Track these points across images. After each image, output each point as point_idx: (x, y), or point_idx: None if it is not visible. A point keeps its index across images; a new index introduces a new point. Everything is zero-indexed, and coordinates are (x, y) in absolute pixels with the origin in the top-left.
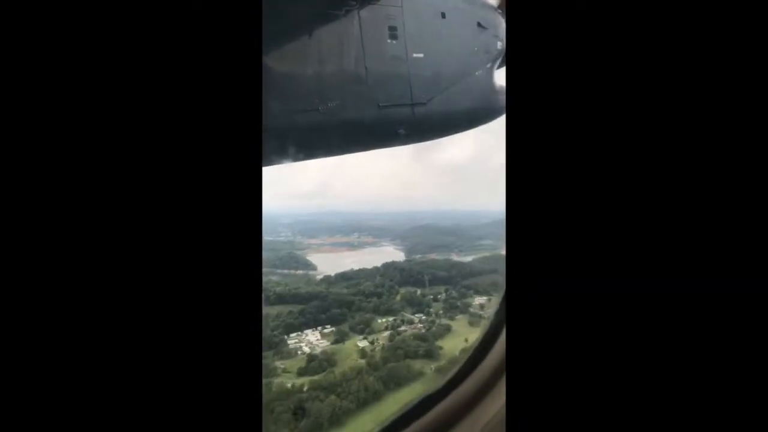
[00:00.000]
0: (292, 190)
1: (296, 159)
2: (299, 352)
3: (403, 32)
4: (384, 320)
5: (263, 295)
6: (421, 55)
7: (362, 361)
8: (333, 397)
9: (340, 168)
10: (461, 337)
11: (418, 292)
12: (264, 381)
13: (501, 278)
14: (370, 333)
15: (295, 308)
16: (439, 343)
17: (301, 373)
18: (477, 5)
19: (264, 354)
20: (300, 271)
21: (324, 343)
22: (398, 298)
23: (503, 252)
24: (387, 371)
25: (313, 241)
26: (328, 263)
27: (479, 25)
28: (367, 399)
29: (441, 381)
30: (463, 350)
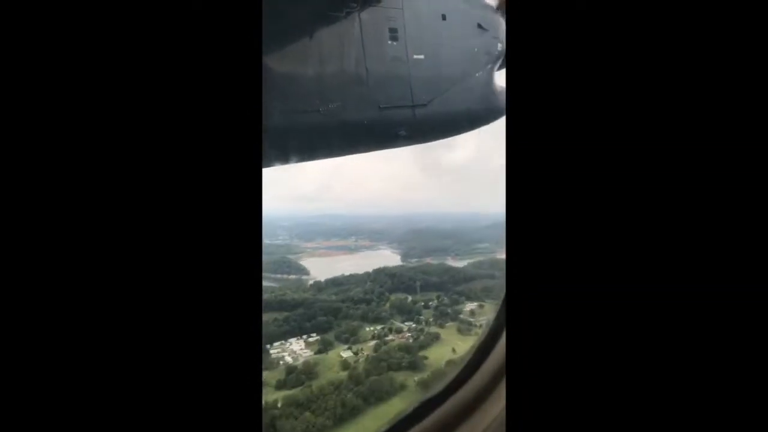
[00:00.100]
0: (293, 193)
1: (297, 160)
2: (281, 363)
3: (404, 34)
4: (372, 328)
5: None
6: (421, 57)
7: (344, 374)
8: (308, 413)
9: (342, 170)
10: (449, 347)
11: (409, 298)
12: None
13: (494, 282)
14: (355, 342)
15: (281, 315)
16: (425, 353)
17: (280, 386)
18: (477, 7)
19: None
20: (293, 276)
21: (308, 353)
22: (387, 305)
23: (499, 255)
24: (368, 385)
25: (309, 244)
26: (322, 268)
27: (479, 26)
28: (344, 415)
29: (434, 389)
30: (450, 362)
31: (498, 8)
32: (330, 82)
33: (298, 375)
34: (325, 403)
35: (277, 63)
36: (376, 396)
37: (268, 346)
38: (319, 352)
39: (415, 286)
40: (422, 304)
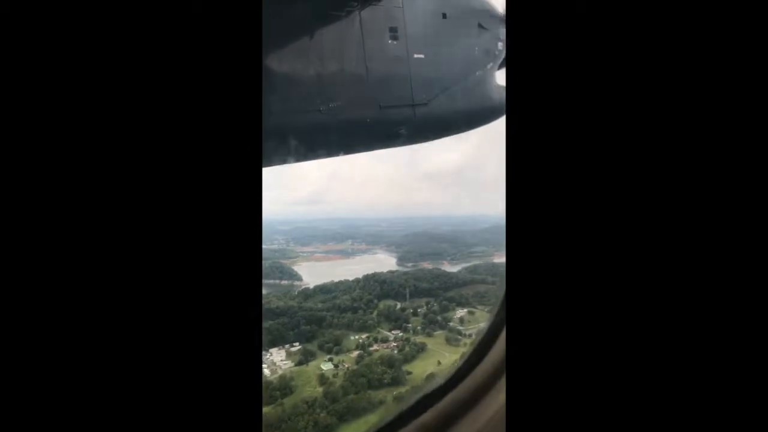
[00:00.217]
0: (292, 197)
1: (298, 159)
2: None
3: (404, 33)
4: (357, 337)
5: None
6: (422, 56)
7: (320, 389)
8: None
9: (342, 173)
10: (435, 359)
11: (398, 305)
12: None
13: (486, 288)
14: (338, 352)
15: (264, 324)
16: (409, 367)
17: None
18: (478, 6)
19: None
20: (285, 282)
21: (288, 364)
22: (375, 313)
23: (495, 259)
24: (344, 404)
25: (305, 249)
26: (315, 273)
27: (480, 26)
28: None
29: (434, 384)
30: (430, 376)
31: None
32: (331, 81)
33: (272, 391)
34: (296, 423)
35: (278, 63)
36: (352, 413)
37: None
38: (299, 363)
39: (404, 292)
40: (411, 311)
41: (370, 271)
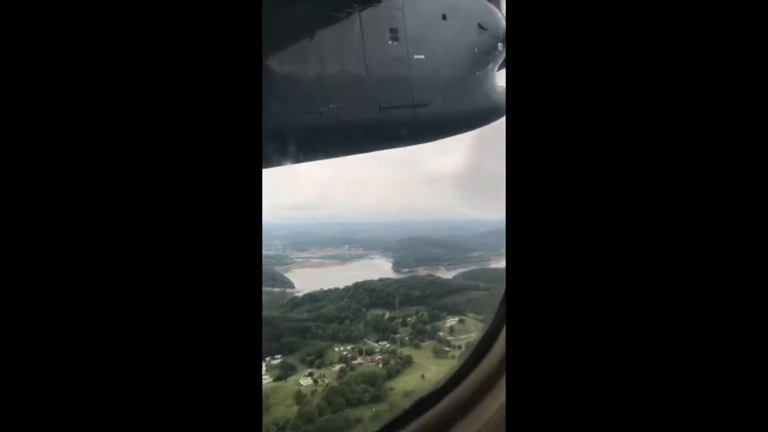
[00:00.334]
0: (291, 202)
1: (297, 160)
2: None
3: (404, 34)
4: (342, 348)
5: None
6: (422, 57)
7: (295, 408)
8: None
9: (341, 178)
10: (419, 372)
11: (386, 315)
12: None
13: (479, 294)
14: (320, 366)
15: None
16: (392, 383)
17: None
18: (478, 6)
19: None
20: (276, 289)
21: (267, 379)
22: (362, 324)
23: (491, 265)
24: (319, 425)
25: (302, 254)
26: (308, 280)
27: (480, 26)
28: None
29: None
30: (408, 393)
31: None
32: (330, 82)
33: None
34: None
35: (278, 64)
36: None
37: None
38: (278, 378)
39: (394, 301)
40: (400, 320)
41: (366, 278)
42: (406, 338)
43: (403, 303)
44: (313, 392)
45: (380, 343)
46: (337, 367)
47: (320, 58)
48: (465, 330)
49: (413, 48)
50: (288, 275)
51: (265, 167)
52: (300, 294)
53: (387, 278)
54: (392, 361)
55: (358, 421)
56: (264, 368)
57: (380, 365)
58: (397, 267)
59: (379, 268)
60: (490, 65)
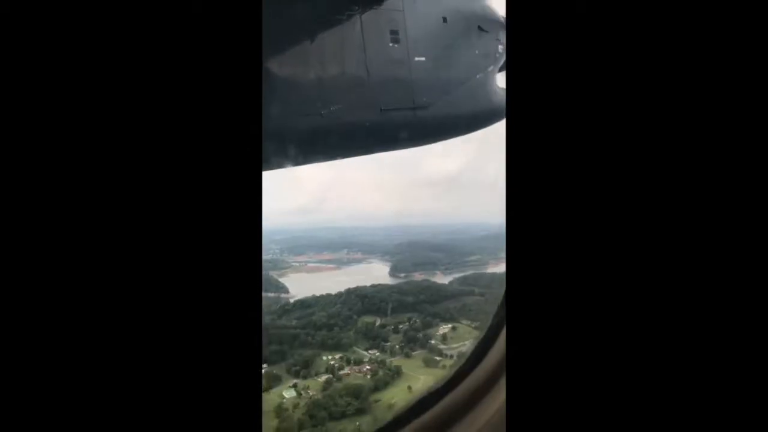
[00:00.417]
0: (290, 205)
1: (298, 162)
2: None
3: (405, 36)
4: (330, 357)
5: None
6: (422, 59)
7: (275, 423)
8: None
9: (341, 181)
10: (408, 383)
11: (377, 322)
12: None
13: (473, 300)
14: (306, 376)
15: None
16: (379, 395)
17: None
18: (478, 9)
19: None
20: (271, 294)
21: None
22: (352, 331)
23: (488, 270)
24: None
25: (299, 258)
26: (303, 285)
27: (480, 28)
28: None
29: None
30: (391, 406)
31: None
32: (331, 84)
33: None
34: None
35: (279, 66)
36: None
37: None
38: (262, 389)
39: (386, 307)
40: (391, 328)
41: (362, 282)
42: (397, 347)
43: (396, 309)
44: (296, 406)
45: (370, 351)
46: (323, 377)
47: (321, 60)
48: (458, 338)
49: (414, 50)
50: (283, 280)
51: (266, 169)
52: (292, 300)
53: (380, 284)
54: (380, 372)
55: None
56: None
57: (368, 376)
58: (394, 271)
59: (376, 273)
60: (491, 67)
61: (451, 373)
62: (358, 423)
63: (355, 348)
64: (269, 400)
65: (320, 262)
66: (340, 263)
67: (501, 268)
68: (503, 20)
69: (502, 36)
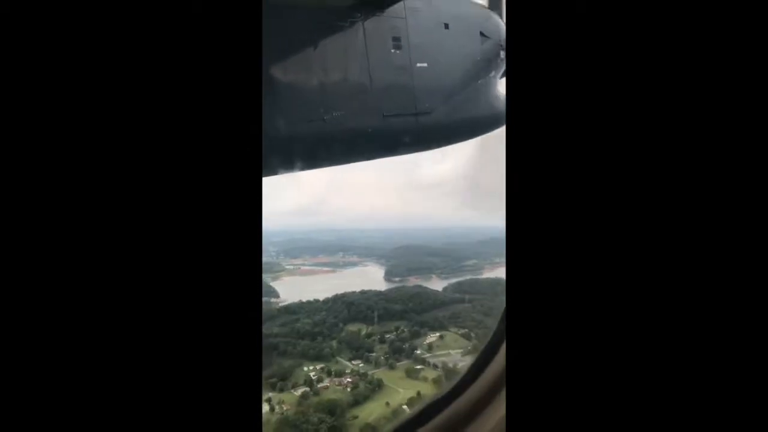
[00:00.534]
0: (289, 207)
1: (301, 168)
2: None
3: (407, 42)
4: (311, 368)
5: None
6: (424, 65)
7: None
8: None
9: (343, 182)
10: (387, 398)
11: (363, 330)
12: None
13: (464, 307)
14: (283, 389)
15: None
16: (357, 410)
17: None
18: (480, 15)
19: None
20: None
21: None
22: (335, 341)
23: (484, 274)
24: None
25: (294, 261)
26: (294, 289)
27: (482, 34)
28: None
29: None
30: (366, 428)
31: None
32: (334, 91)
33: None
34: None
35: (282, 73)
36: None
37: None
38: None
39: (373, 315)
40: (377, 337)
41: (356, 286)
42: (382, 358)
43: (384, 317)
44: (266, 422)
45: (354, 362)
46: (300, 390)
47: (324, 66)
48: (444, 346)
49: (416, 56)
50: (275, 284)
51: (271, 176)
52: (280, 305)
53: (369, 290)
54: (361, 385)
55: None
56: None
57: (348, 389)
58: (388, 276)
59: (370, 277)
60: (493, 73)
61: (453, 384)
62: None
63: (338, 358)
64: None
65: (315, 265)
66: (335, 266)
67: (497, 273)
68: (504, 26)
69: (504, 42)
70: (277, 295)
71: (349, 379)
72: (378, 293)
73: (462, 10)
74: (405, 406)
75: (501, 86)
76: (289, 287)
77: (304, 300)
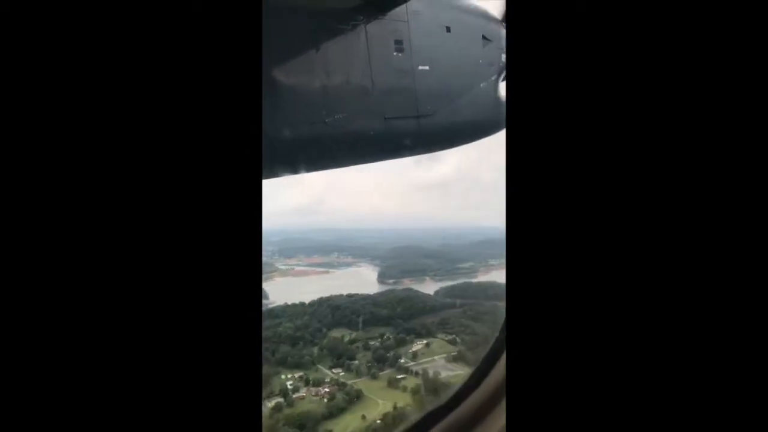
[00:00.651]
0: (288, 207)
1: (302, 171)
2: None
3: (409, 45)
4: (288, 376)
5: None
6: (426, 68)
7: None
8: None
9: (342, 182)
10: (365, 410)
11: (347, 337)
12: None
13: (453, 312)
14: None
15: None
16: (331, 424)
17: None
18: (482, 18)
19: None
20: None
21: None
22: (316, 348)
23: (479, 276)
24: None
25: (289, 261)
26: (285, 291)
27: (484, 37)
28: None
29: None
30: None
31: (502, 19)
32: (336, 93)
33: None
34: None
35: (284, 75)
36: None
37: None
38: None
39: (358, 320)
40: (361, 344)
41: (347, 288)
42: (363, 366)
43: (370, 323)
44: None
45: (334, 370)
46: (274, 402)
47: (326, 69)
48: (429, 353)
49: (418, 59)
50: (266, 285)
51: (272, 178)
52: (265, 308)
53: (355, 294)
54: (338, 396)
55: None
56: None
57: (325, 399)
58: (381, 278)
59: (362, 279)
60: (494, 76)
61: (453, 393)
62: None
63: (318, 366)
64: None
65: (310, 265)
66: (330, 267)
67: (491, 275)
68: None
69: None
70: (266, 297)
71: (327, 389)
72: (365, 297)
73: (464, 14)
74: (380, 421)
75: (503, 89)
76: (280, 288)
77: (289, 303)
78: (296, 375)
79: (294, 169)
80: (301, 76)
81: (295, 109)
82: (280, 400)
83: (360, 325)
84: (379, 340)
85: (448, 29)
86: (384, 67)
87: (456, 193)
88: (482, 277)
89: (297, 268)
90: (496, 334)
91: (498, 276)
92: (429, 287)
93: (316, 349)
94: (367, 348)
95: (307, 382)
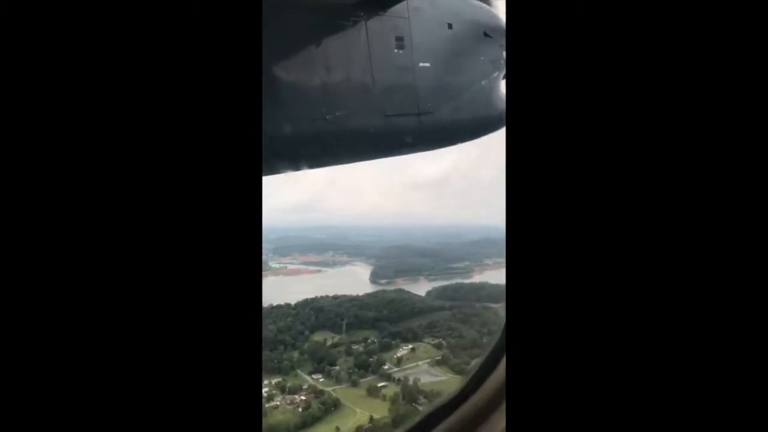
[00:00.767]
0: (286, 204)
1: (303, 168)
2: None
3: (410, 42)
4: (265, 383)
5: None
6: (427, 65)
7: None
8: None
9: (341, 180)
10: (341, 420)
11: (329, 341)
12: None
13: (442, 315)
14: None
15: None
16: None
17: None
18: (483, 15)
19: None
20: None
21: None
22: (296, 353)
23: (474, 276)
24: None
25: (283, 260)
26: (275, 290)
27: (485, 35)
28: None
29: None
30: None
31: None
32: (336, 90)
33: None
34: None
35: (284, 72)
36: None
37: None
38: None
39: (342, 323)
40: (344, 348)
41: (339, 288)
42: (344, 373)
43: (354, 326)
44: None
45: (314, 376)
46: None
47: (326, 66)
48: (414, 358)
49: (419, 56)
50: None
51: (272, 174)
52: None
53: (341, 295)
54: (314, 405)
55: None
56: None
57: (299, 408)
58: (374, 278)
59: (355, 278)
60: (496, 74)
61: (454, 395)
62: None
63: (298, 371)
64: None
65: (303, 264)
66: (324, 265)
67: (485, 275)
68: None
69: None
70: None
71: (303, 397)
72: (352, 299)
73: (466, 11)
74: None
75: (504, 87)
76: (270, 288)
77: (275, 304)
78: (273, 381)
79: (294, 165)
80: (301, 73)
81: (295, 106)
82: None
83: (344, 328)
84: (363, 344)
85: (450, 26)
86: (385, 63)
87: (455, 191)
88: (477, 277)
89: (289, 267)
90: (484, 338)
91: (491, 276)
92: (422, 288)
93: (296, 353)
94: (349, 353)
95: (283, 390)
